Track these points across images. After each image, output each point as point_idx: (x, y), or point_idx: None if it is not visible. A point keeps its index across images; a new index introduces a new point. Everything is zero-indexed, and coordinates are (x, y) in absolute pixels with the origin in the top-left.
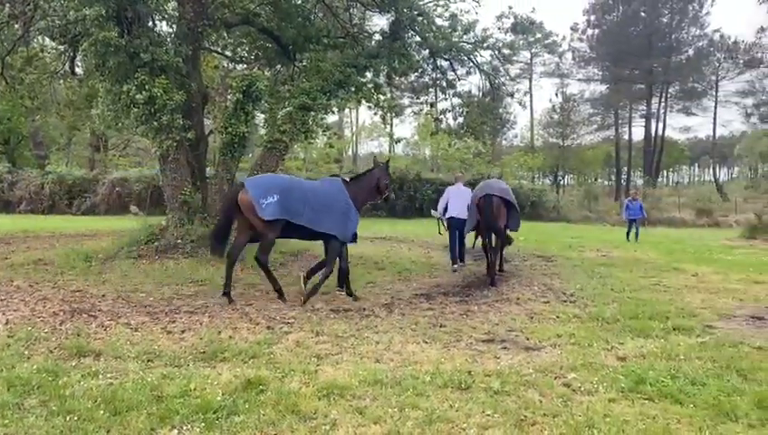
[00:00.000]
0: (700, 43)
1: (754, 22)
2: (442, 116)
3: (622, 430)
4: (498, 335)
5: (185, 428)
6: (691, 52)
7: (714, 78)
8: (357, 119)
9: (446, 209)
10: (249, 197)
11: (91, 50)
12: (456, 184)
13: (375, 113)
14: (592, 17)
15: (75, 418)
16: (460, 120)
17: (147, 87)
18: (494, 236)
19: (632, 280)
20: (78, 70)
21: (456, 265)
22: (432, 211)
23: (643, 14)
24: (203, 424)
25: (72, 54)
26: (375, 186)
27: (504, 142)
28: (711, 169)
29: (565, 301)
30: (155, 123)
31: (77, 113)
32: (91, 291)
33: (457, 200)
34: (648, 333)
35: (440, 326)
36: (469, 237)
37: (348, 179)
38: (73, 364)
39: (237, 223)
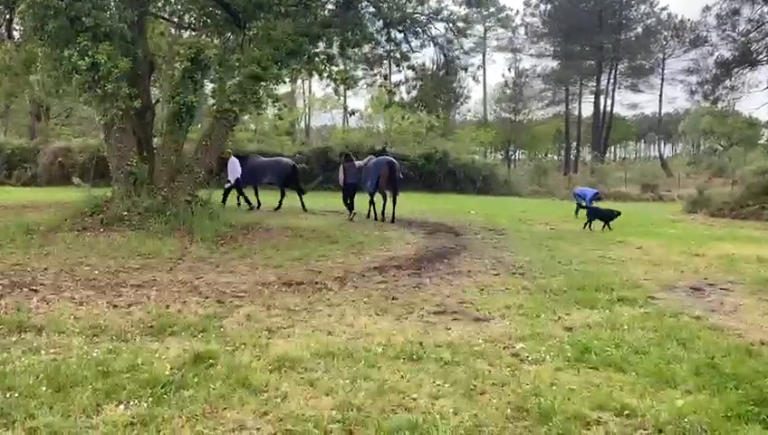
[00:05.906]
0: (648, 21)
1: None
2: (396, 89)
3: (568, 398)
4: (449, 307)
5: (132, 403)
6: (640, 29)
7: (661, 56)
8: (310, 90)
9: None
10: (395, 167)
11: (28, 12)
12: (230, 158)
13: (327, 85)
14: None
15: (16, 394)
16: (414, 93)
17: (89, 53)
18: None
19: (579, 253)
20: (15, 33)
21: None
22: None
23: None
24: (150, 399)
25: (8, 17)
26: None
27: (457, 117)
28: (656, 146)
29: (514, 273)
30: (99, 91)
31: (15, 79)
32: (32, 264)
33: (233, 168)
34: (593, 304)
35: (392, 299)
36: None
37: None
38: (14, 340)
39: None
